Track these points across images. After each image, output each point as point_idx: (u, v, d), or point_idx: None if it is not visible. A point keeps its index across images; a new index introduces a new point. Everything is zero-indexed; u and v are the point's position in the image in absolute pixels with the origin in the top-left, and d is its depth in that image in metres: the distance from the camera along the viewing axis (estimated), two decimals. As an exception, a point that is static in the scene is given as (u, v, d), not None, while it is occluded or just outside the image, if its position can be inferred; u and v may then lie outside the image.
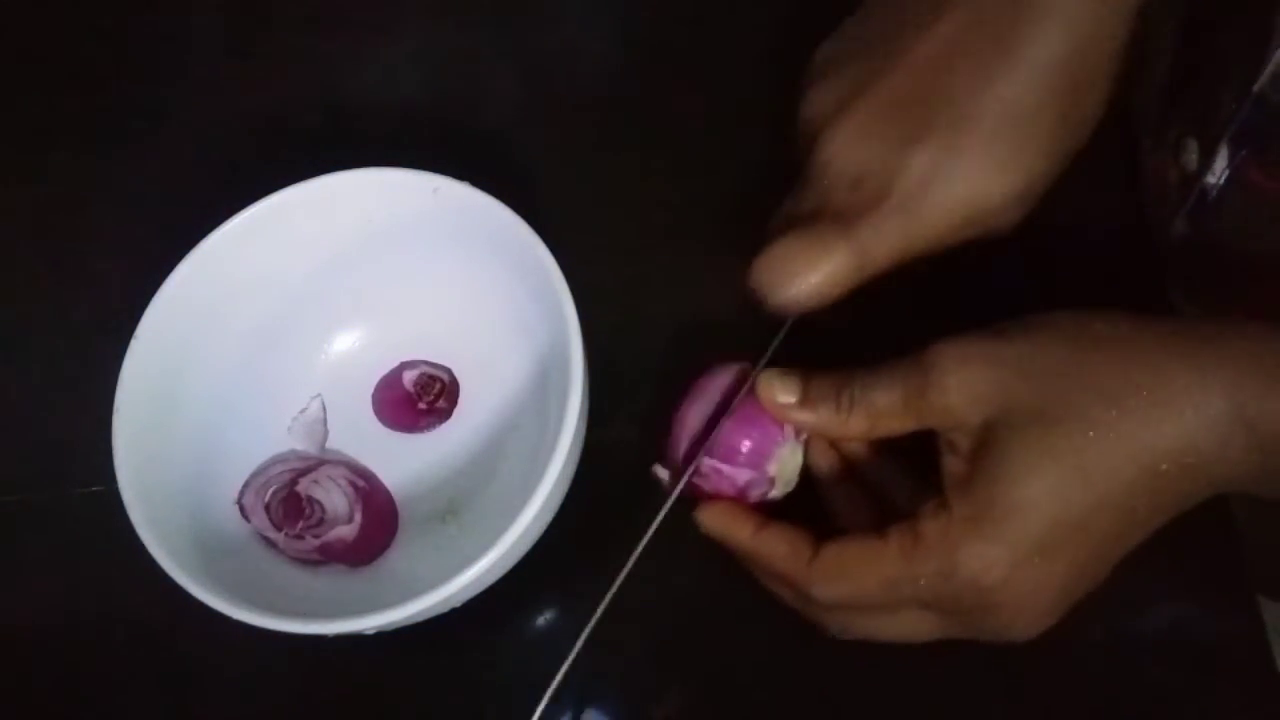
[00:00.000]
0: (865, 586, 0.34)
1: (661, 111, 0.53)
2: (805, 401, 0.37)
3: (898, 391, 0.35)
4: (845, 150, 0.36)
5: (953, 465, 0.34)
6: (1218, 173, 0.41)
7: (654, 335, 0.48)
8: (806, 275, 0.36)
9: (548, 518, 0.39)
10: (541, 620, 0.45)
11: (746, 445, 0.38)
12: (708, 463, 0.38)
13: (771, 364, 0.39)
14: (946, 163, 0.34)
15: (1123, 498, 0.31)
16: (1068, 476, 0.31)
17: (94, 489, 0.47)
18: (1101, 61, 0.35)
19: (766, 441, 0.38)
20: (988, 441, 0.32)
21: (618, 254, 0.49)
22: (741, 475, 0.38)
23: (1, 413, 0.51)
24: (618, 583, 0.38)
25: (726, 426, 0.38)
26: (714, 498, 0.39)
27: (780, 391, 0.37)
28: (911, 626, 0.35)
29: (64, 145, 0.58)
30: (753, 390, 0.38)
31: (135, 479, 0.39)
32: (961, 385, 0.33)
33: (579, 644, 0.38)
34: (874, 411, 0.35)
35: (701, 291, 0.48)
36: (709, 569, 0.42)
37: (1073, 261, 0.46)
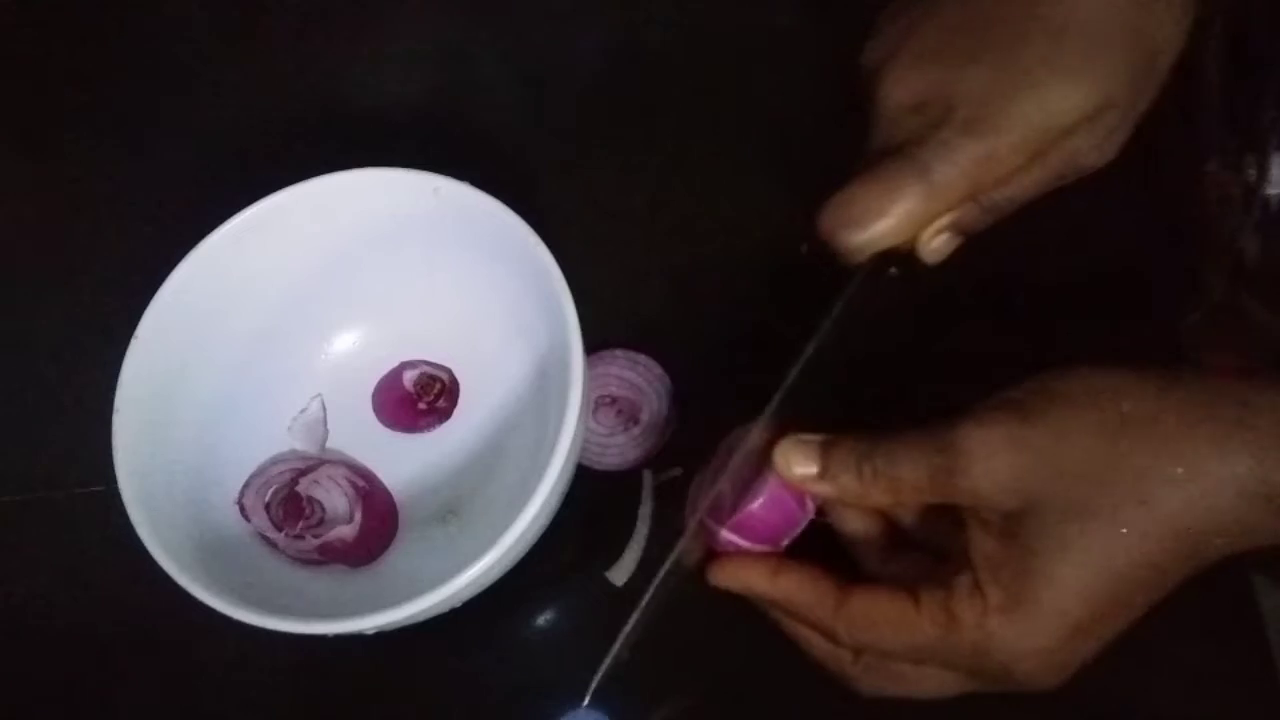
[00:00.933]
0: (894, 646, 0.33)
1: (661, 111, 0.53)
2: (825, 474, 0.35)
3: (923, 470, 0.33)
4: (903, 81, 0.35)
5: (983, 542, 0.32)
6: (1275, 183, 0.41)
7: (654, 335, 0.48)
8: (877, 212, 0.34)
9: (548, 518, 0.39)
10: (541, 620, 0.45)
11: (767, 528, 0.37)
12: (725, 536, 0.37)
13: (797, 394, 0.37)
14: (1008, 76, 0.33)
15: (1153, 578, 0.31)
16: (1101, 575, 0.31)
17: (94, 489, 0.47)
18: None
19: (787, 524, 0.37)
20: (1018, 532, 0.32)
21: (618, 254, 0.49)
22: (757, 549, 0.37)
23: (1, 413, 0.51)
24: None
25: (751, 508, 0.36)
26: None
27: (798, 463, 0.35)
28: (938, 684, 0.34)
29: (64, 145, 0.58)
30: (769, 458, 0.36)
31: (135, 479, 0.39)
32: (988, 474, 0.32)
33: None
34: (898, 486, 0.34)
35: (704, 291, 0.48)
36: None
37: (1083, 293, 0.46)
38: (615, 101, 0.54)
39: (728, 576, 0.37)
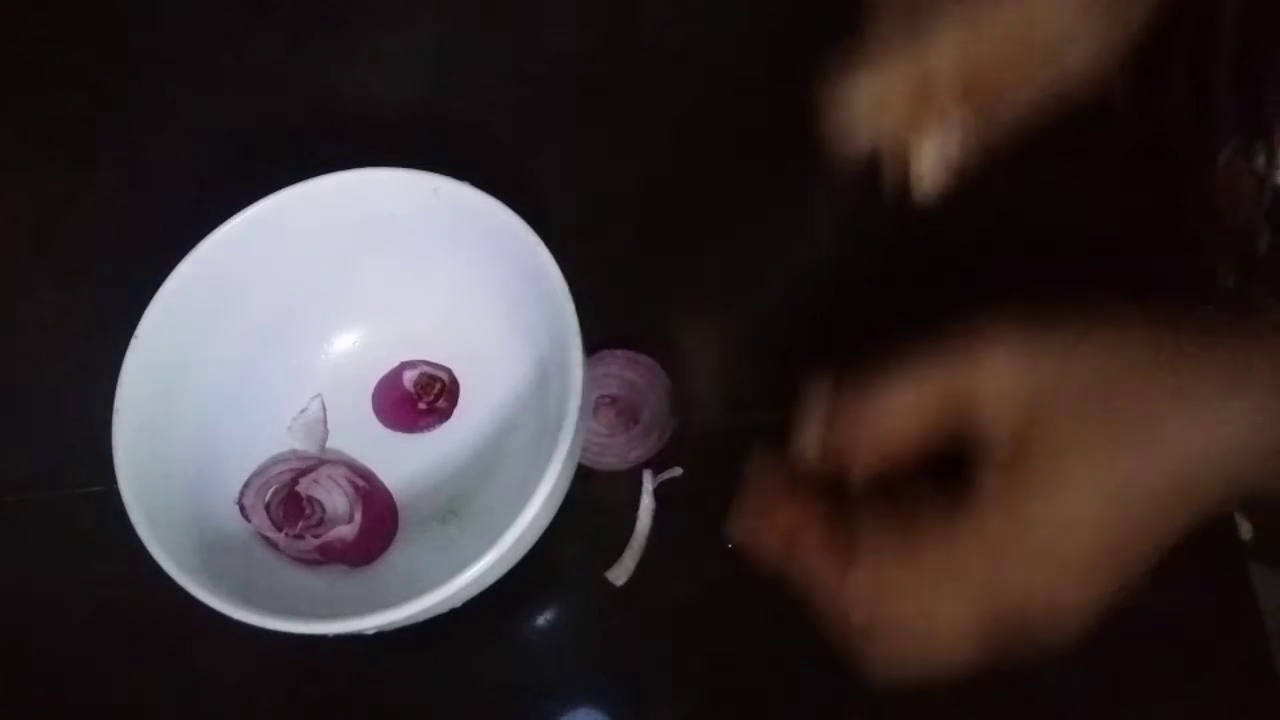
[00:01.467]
0: (905, 576, 0.33)
1: (661, 111, 0.53)
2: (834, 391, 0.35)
3: (937, 378, 0.33)
4: None
5: (989, 478, 0.32)
6: None
7: (654, 335, 0.48)
8: (876, 99, 0.34)
9: (548, 518, 0.39)
10: (541, 620, 0.45)
11: None
12: None
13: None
14: None
15: (1158, 514, 0.31)
16: (1107, 500, 0.30)
17: (94, 489, 0.47)
18: None
19: None
20: (1026, 456, 0.31)
21: (618, 254, 0.49)
22: None
23: (2, 413, 0.51)
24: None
25: None
26: None
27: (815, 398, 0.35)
28: (949, 605, 0.33)
29: (64, 145, 0.58)
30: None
31: (135, 479, 0.39)
32: (998, 373, 0.32)
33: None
34: (907, 379, 0.33)
35: (704, 291, 0.48)
36: (710, 570, 0.42)
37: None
38: (614, 101, 0.54)
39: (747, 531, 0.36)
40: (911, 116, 0.35)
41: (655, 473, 0.46)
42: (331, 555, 0.43)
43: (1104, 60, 0.35)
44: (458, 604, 0.37)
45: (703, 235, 0.50)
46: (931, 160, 0.36)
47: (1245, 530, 0.48)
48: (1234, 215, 0.46)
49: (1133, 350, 0.32)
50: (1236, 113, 0.45)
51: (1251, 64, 0.43)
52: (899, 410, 0.34)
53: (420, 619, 0.36)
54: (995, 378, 0.32)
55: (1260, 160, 0.43)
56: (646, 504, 0.45)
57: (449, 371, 0.48)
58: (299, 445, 0.46)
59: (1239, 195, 0.45)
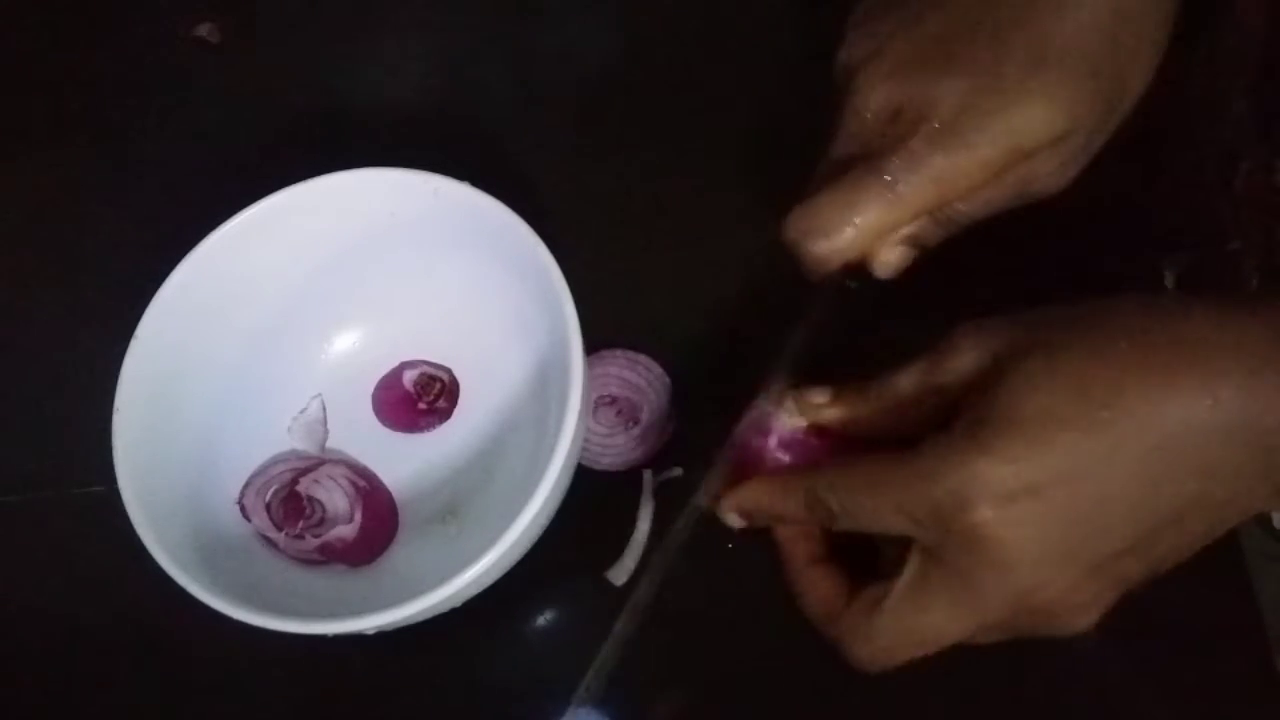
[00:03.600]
0: (873, 497, 0.33)
1: (661, 111, 0.53)
2: (836, 400, 0.37)
3: (915, 372, 0.34)
4: (881, 86, 0.35)
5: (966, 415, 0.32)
6: None
7: (654, 335, 0.48)
8: (840, 222, 0.35)
9: (548, 518, 0.39)
10: (541, 620, 0.45)
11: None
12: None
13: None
14: (985, 91, 0.34)
15: (1138, 443, 0.29)
16: (1068, 394, 0.30)
17: (94, 489, 0.47)
18: (1148, 10, 0.34)
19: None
20: (990, 381, 0.31)
21: (618, 254, 0.49)
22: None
23: (2, 413, 0.51)
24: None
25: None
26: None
27: (812, 395, 0.37)
28: (920, 606, 0.33)
29: (64, 145, 0.58)
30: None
31: (135, 479, 0.39)
32: (977, 342, 0.32)
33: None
34: (897, 392, 0.35)
35: (704, 291, 0.48)
36: (710, 569, 0.42)
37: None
38: (615, 101, 0.54)
39: (741, 499, 0.37)
40: (876, 243, 0.36)
41: (655, 473, 0.46)
42: (331, 555, 0.43)
43: (1071, 170, 0.36)
44: (458, 604, 0.37)
45: (703, 236, 0.50)
46: (894, 254, 0.37)
47: (1278, 519, 0.48)
48: (1254, 227, 0.46)
49: (1114, 304, 0.31)
50: (1257, 128, 0.45)
51: (1273, 81, 0.43)
52: (894, 395, 0.35)
53: (420, 619, 0.36)
54: (972, 335, 0.33)
55: (1278, 176, 0.43)
56: (646, 504, 0.45)
57: (449, 371, 0.48)
58: (299, 445, 0.46)
59: (1260, 209, 0.45)
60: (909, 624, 0.33)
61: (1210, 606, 0.41)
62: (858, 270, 0.37)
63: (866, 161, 0.35)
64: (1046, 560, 0.30)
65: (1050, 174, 0.35)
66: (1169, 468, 0.30)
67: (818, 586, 0.36)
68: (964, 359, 0.33)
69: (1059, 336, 0.31)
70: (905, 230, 0.36)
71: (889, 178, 0.34)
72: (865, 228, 0.35)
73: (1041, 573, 0.30)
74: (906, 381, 0.34)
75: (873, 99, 0.36)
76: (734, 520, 0.38)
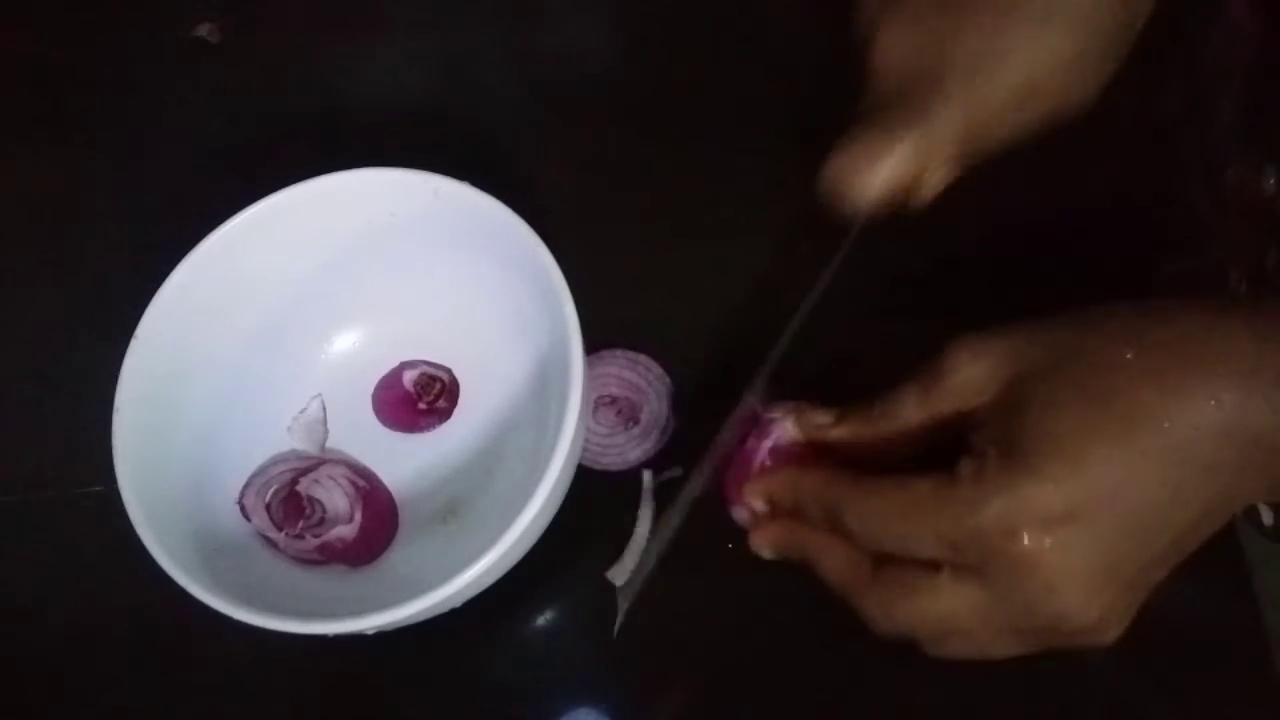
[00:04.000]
0: (897, 525, 0.33)
1: (661, 111, 0.53)
2: (839, 421, 0.37)
3: (914, 391, 0.35)
4: (898, 44, 0.37)
5: (978, 434, 0.33)
6: None
7: (655, 335, 0.48)
8: (875, 168, 0.36)
9: (548, 518, 0.39)
10: (541, 620, 0.45)
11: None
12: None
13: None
14: (1004, 29, 0.35)
15: (1160, 450, 0.30)
16: (1094, 408, 0.30)
17: (94, 489, 0.47)
18: None
19: None
20: (1007, 404, 0.32)
21: (618, 254, 0.49)
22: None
23: (2, 413, 0.51)
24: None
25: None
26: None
27: (815, 416, 0.38)
28: (950, 596, 0.32)
29: (64, 145, 0.58)
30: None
31: (135, 479, 0.39)
32: (974, 359, 0.33)
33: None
34: (899, 413, 0.35)
35: (704, 291, 0.48)
36: (710, 568, 0.42)
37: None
38: (615, 102, 0.54)
39: (757, 489, 0.38)
40: (912, 181, 0.37)
41: (655, 473, 0.46)
42: (331, 555, 0.43)
43: (1099, 92, 0.37)
44: (458, 604, 0.37)
45: (703, 236, 0.50)
46: (926, 189, 0.38)
47: (1267, 516, 0.48)
48: (1239, 231, 0.46)
49: (1110, 309, 0.32)
50: (1243, 131, 0.45)
51: (1266, 85, 0.43)
52: (897, 414, 0.35)
53: (420, 619, 0.36)
54: (969, 349, 0.33)
55: (1271, 181, 0.43)
56: (646, 504, 0.45)
57: (449, 371, 0.48)
58: (299, 445, 0.46)
59: (1246, 212, 0.45)
60: (932, 617, 0.33)
61: (1210, 606, 0.42)
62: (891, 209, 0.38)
63: (900, 102, 0.36)
64: (1092, 582, 0.31)
65: (1077, 87, 0.36)
66: (1185, 471, 0.30)
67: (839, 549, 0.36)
68: (963, 376, 0.33)
69: (1066, 350, 0.31)
70: (947, 152, 0.37)
71: (923, 113, 0.36)
72: (907, 159, 0.36)
73: (1086, 595, 0.31)
74: (907, 404, 0.35)
75: (890, 58, 0.37)
76: (765, 551, 0.39)
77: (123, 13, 0.60)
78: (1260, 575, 0.42)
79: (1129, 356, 0.30)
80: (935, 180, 0.38)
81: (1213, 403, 0.29)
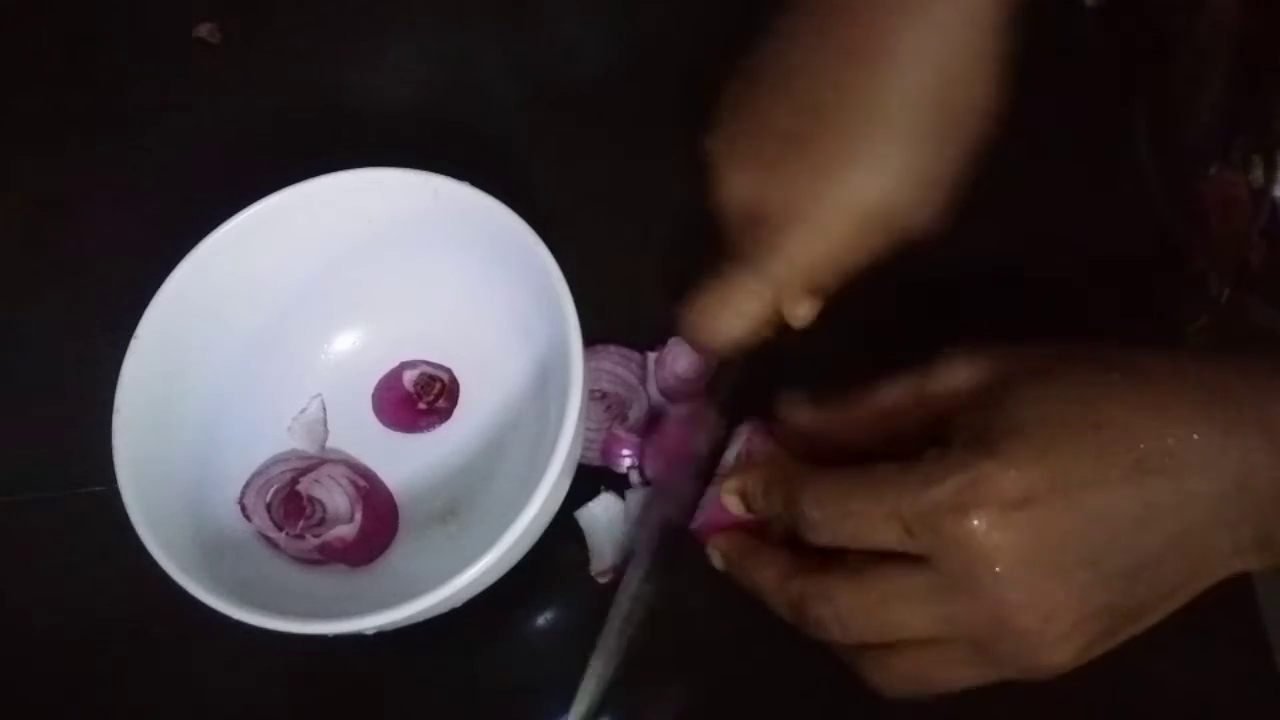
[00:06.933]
0: (855, 495, 0.32)
1: (661, 111, 0.53)
2: (816, 403, 0.38)
3: (899, 387, 0.35)
4: (739, 183, 0.37)
5: (955, 427, 0.33)
6: None
7: (654, 335, 0.48)
8: (730, 319, 0.37)
9: (548, 518, 0.39)
10: (541, 620, 0.45)
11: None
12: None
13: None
14: (832, 171, 0.35)
15: (1132, 464, 0.30)
16: (1069, 407, 0.31)
17: (94, 489, 0.47)
18: (974, 66, 0.35)
19: None
20: (989, 400, 0.32)
21: (618, 254, 0.49)
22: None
23: (2, 413, 0.51)
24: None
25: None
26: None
27: (789, 402, 0.39)
28: (895, 585, 0.32)
29: (64, 144, 0.58)
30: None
31: (135, 479, 0.39)
32: (969, 362, 0.34)
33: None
34: (882, 398, 0.36)
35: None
36: (710, 569, 0.42)
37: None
38: (615, 101, 0.54)
39: (730, 485, 0.38)
40: (771, 316, 0.38)
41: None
42: (331, 555, 0.43)
43: (935, 198, 0.37)
44: (458, 604, 0.37)
45: (703, 236, 0.50)
46: (794, 318, 0.39)
47: None
48: (1225, 228, 0.46)
49: (1096, 347, 0.32)
50: (1229, 125, 0.45)
51: (1253, 74, 0.43)
52: (879, 404, 0.36)
53: (420, 619, 0.36)
54: (966, 355, 0.34)
55: (1258, 175, 0.43)
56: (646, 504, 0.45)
57: (449, 371, 0.48)
58: (299, 445, 0.46)
59: (1232, 208, 0.45)
60: (873, 599, 0.32)
61: (1210, 606, 0.41)
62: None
63: (742, 258, 0.37)
64: (1036, 575, 0.30)
65: (921, 207, 0.36)
66: (1155, 494, 0.30)
67: (775, 556, 0.36)
68: (956, 374, 0.34)
69: (1056, 365, 0.32)
70: (796, 290, 0.38)
71: (760, 270, 0.37)
72: (751, 316, 0.37)
73: (1028, 588, 0.30)
74: (893, 390, 0.35)
75: (732, 203, 0.38)
76: (717, 560, 0.39)
77: (123, 13, 0.60)
78: (1260, 575, 0.42)
79: (1115, 377, 0.31)
80: (802, 311, 0.38)
81: (1195, 436, 0.30)
